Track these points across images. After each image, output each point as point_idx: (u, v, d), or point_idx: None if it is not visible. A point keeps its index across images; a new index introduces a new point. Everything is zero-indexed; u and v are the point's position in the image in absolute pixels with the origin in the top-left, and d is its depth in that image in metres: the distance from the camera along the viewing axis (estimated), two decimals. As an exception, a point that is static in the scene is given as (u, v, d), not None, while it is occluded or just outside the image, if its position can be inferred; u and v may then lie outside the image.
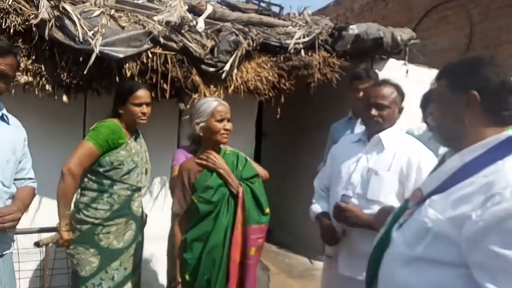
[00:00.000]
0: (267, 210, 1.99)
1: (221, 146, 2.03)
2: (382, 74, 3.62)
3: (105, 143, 2.16)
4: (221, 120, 1.95)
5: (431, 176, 1.23)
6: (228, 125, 1.97)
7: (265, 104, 3.60)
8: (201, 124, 1.97)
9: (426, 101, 2.40)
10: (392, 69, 3.92)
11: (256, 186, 2.00)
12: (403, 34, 3.74)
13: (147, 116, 2.28)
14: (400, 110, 1.93)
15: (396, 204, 1.67)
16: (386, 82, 1.96)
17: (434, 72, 4.66)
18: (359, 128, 2.49)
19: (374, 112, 1.87)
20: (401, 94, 1.91)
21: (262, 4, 4.14)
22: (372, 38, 3.52)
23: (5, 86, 1.68)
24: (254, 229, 1.92)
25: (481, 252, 0.96)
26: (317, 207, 2.06)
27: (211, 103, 1.98)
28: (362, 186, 1.85)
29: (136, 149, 2.31)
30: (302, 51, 3.32)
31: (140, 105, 2.24)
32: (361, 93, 2.40)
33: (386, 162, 1.83)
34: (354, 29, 3.42)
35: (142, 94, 2.26)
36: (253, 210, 1.94)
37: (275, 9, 4.19)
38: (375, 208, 1.75)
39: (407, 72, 3.95)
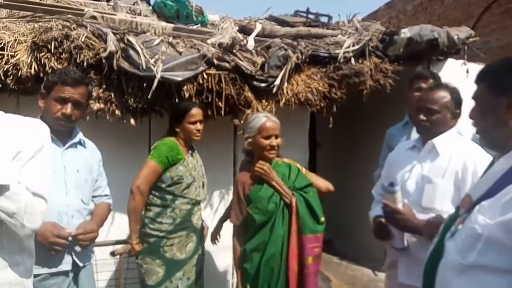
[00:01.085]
0: (322, 219, 2.01)
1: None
2: (441, 75, 3.48)
3: (165, 159, 2.33)
4: (267, 137, 2.00)
5: (480, 181, 1.21)
6: (276, 142, 2.01)
7: (318, 114, 3.61)
8: (249, 140, 2.06)
9: None
10: (451, 70, 3.75)
11: (310, 195, 2.03)
12: (460, 33, 3.56)
13: (201, 133, 2.45)
14: (455, 115, 1.85)
15: (453, 210, 1.62)
16: (441, 86, 1.90)
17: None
18: (416, 133, 2.43)
19: (422, 116, 1.83)
20: (455, 99, 1.83)
21: (310, 16, 4.19)
22: (426, 39, 3.40)
23: (78, 113, 1.85)
24: (309, 238, 1.96)
25: None
26: (373, 212, 2.03)
27: (260, 119, 2.06)
28: (417, 194, 1.81)
29: (193, 163, 2.46)
30: (352, 59, 3.30)
31: (194, 122, 2.42)
32: None
33: (441, 168, 1.78)
34: (406, 32, 3.34)
35: (196, 112, 2.44)
36: (307, 219, 1.97)
37: (324, 19, 4.22)
38: (431, 216, 1.71)
39: (467, 71, 3.75)
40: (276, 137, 2.03)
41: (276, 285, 1.94)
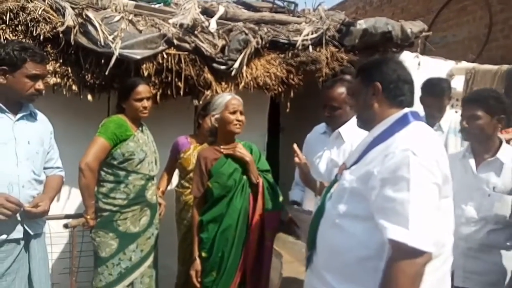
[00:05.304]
0: (281, 198, 2.24)
1: (236, 139, 2.24)
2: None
3: (114, 136, 2.36)
4: (233, 112, 2.15)
5: (352, 152, 1.49)
6: (241, 117, 2.17)
7: (281, 99, 3.73)
8: (216, 116, 2.18)
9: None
10: (404, 62, 3.95)
11: (269, 177, 2.25)
12: (414, 26, 3.76)
13: (148, 110, 2.47)
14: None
15: None
16: (337, 82, 2.16)
17: (449, 64, 4.55)
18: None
19: (326, 113, 2.14)
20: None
21: (278, 2, 4.26)
22: (380, 32, 3.58)
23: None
24: (271, 215, 2.17)
25: (379, 199, 1.20)
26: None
27: (226, 97, 2.20)
28: (327, 175, 2.06)
29: (143, 139, 2.51)
30: (310, 47, 3.43)
31: (141, 100, 2.42)
32: None
33: (346, 152, 2.05)
34: (361, 24, 3.50)
35: (142, 89, 2.44)
36: (271, 196, 2.18)
37: (291, 6, 4.30)
38: None
39: (419, 64, 3.97)
40: (241, 113, 2.18)
41: (229, 253, 2.12)
